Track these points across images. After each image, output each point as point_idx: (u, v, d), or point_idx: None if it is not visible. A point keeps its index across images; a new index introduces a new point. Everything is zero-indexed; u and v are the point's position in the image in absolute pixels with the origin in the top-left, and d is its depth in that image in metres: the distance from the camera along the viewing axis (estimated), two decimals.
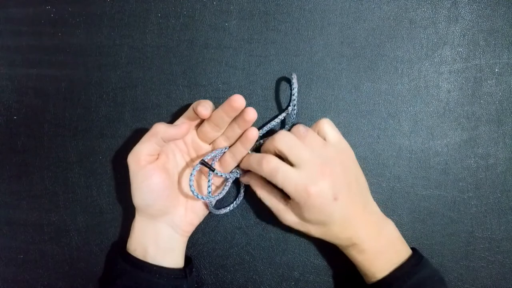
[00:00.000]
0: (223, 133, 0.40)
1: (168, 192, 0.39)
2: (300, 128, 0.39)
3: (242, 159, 0.41)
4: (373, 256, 0.37)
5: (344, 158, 0.38)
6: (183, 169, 0.41)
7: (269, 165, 0.37)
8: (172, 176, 0.40)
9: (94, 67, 0.45)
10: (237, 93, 0.44)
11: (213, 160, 0.40)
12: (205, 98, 0.44)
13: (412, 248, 0.40)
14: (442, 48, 0.44)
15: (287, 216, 0.39)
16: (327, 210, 0.36)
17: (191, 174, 0.38)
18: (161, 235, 0.39)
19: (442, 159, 0.43)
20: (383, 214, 0.40)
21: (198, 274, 0.44)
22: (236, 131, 0.39)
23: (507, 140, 0.43)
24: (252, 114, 0.37)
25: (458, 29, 0.43)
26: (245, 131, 0.39)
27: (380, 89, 0.44)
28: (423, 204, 0.43)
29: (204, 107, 0.37)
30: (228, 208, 0.42)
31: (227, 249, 0.44)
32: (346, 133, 0.43)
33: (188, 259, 0.43)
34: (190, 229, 0.41)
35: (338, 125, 0.44)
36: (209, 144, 0.41)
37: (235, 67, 0.44)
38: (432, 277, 0.37)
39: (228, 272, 0.44)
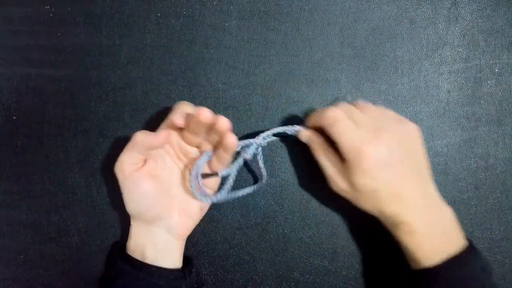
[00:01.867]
0: (206, 138, 0.40)
1: (160, 198, 0.39)
2: (359, 101, 0.39)
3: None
4: (421, 240, 0.35)
5: (404, 132, 0.37)
6: (174, 173, 0.40)
7: (332, 113, 0.37)
8: (163, 181, 0.39)
9: (93, 67, 0.45)
10: (237, 92, 0.44)
11: (200, 167, 0.39)
12: (205, 98, 0.44)
13: (468, 240, 0.38)
14: (442, 48, 0.44)
15: (339, 181, 0.38)
16: (377, 175, 0.35)
17: (190, 181, 0.38)
18: (157, 239, 0.39)
19: (442, 159, 0.43)
20: (441, 199, 0.38)
21: (198, 274, 0.44)
22: (214, 136, 0.39)
23: (507, 140, 0.43)
24: (224, 123, 0.36)
25: (458, 29, 0.43)
26: (224, 138, 0.38)
27: (380, 89, 0.44)
28: None
29: (177, 116, 0.37)
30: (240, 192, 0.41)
31: (227, 249, 0.44)
32: None
33: (187, 259, 0.43)
34: (186, 232, 0.41)
35: None
36: (196, 147, 0.41)
37: (235, 67, 0.44)
38: (482, 273, 0.35)
39: (228, 273, 0.44)
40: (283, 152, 0.44)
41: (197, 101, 0.44)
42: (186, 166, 0.41)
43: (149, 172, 0.38)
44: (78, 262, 0.45)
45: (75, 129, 0.45)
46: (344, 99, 0.43)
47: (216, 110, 0.44)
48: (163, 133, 0.37)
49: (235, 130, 0.44)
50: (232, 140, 0.37)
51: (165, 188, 0.39)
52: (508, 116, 0.43)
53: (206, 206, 0.42)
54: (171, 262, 0.40)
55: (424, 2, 0.44)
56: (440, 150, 0.43)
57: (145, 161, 0.39)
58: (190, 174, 0.39)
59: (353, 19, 0.44)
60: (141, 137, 0.37)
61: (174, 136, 0.39)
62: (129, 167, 0.37)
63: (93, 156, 0.45)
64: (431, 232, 0.35)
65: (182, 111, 0.38)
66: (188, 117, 0.37)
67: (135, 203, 0.38)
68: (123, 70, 0.45)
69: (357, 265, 0.43)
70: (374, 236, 0.42)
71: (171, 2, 0.45)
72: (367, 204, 0.37)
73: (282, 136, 0.42)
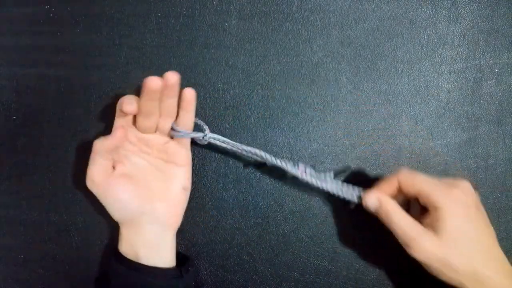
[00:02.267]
0: (161, 114, 0.39)
1: (140, 196, 0.39)
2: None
3: None
4: None
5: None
6: (144, 166, 0.40)
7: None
8: (137, 179, 0.39)
9: (93, 67, 0.45)
10: (237, 93, 0.44)
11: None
12: (204, 98, 0.44)
13: None
14: (442, 48, 0.44)
15: (426, 242, 0.34)
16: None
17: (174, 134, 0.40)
18: (148, 235, 0.39)
19: (442, 159, 0.43)
20: None
21: (198, 275, 0.44)
22: (169, 101, 0.38)
23: (507, 140, 0.43)
24: (173, 77, 0.36)
25: (458, 29, 0.43)
26: (180, 95, 0.39)
27: (380, 89, 0.44)
28: None
29: (129, 103, 0.37)
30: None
31: (226, 249, 0.44)
32: (346, 133, 0.44)
33: (185, 258, 0.42)
34: (176, 220, 0.41)
35: (338, 125, 0.44)
36: (155, 132, 0.40)
37: (235, 67, 0.44)
38: None
39: (227, 273, 0.44)
40: (283, 152, 0.44)
41: (197, 101, 0.44)
42: (152, 155, 0.41)
43: (121, 175, 0.38)
44: (78, 262, 0.45)
45: (75, 129, 0.45)
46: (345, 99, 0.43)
47: (216, 110, 0.44)
48: (118, 131, 0.37)
49: (235, 130, 0.44)
50: (190, 91, 0.38)
51: (141, 185, 0.39)
52: (508, 116, 0.43)
53: (188, 185, 0.41)
54: (165, 258, 0.40)
55: (424, 2, 0.44)
56: (440, 150, 0.43)
57: (113, 168, 0.39)
58: (173, 130, 0.40)
59: (353, 19, 0.44)
60: (99, 143, 0.38)
61: (130, 131, 0.39)
62: (99, 177, 0.38)
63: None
64: None
65: (126, 99, 0.37)
66: (134, 101, 0.37)
67: (119, 210, 0.39)
68: (123, 70, 0.45)
69: (357, 265, 0.43)
70: (374, 236, 0.42)
71: (171, 2, 0.45)
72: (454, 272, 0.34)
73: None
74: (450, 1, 0.44)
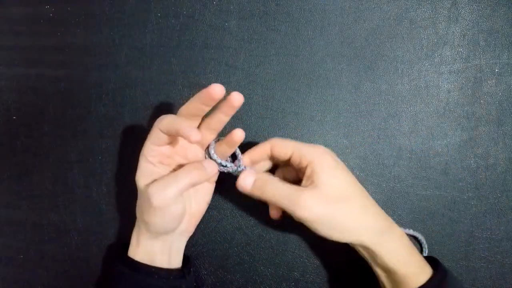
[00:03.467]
0: (205, 123, 0.38)
1: (184, 212, 0.38)
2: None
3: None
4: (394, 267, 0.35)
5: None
6: None
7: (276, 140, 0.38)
8: (185, 195, 0.38)
9: (93, 67, 0.45)
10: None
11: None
12: None
13: (431, 258, 0.38)
14: (442, 48, 0.44)
15: (310, 203, 0.34)
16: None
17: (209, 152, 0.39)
18: (169, 245, 0.39)
19: (442, 159, 0.43)
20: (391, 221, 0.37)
21: (198, 275, 0.44)
22: (221, 118, 0.37)
23: (507, 140, 0.43)
24: (238, 99, 0.35)
25: (458, 29, 0.43)
26: (231, 132, 0.37)
27: (380, 89, 0.44)
28: (423, 204, 0.43)
29: (193, 132, 0.33)
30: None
31: (226, 249, 0.44)
32: (346, 133, 0.44)
33: (186, 258, 0.43)
34: (193, 229, 0.41)
35: (338, 125, 0.44)
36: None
37: (235, 67, 0.44)
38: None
39: (228, 273, 0.44)
40: None
41: None
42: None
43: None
44: (77, 262, 0.45)
45: (75, 129, 0.45)
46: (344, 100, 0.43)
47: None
48: (210, 165, 0.37)
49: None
50: (239, 133, 0.37)
51: (186, 201, 0.39)
52: (508, 116, 0.43)
53: (210, 199, 0.42)
54: (176, 261, 0.40)
55: (424, 2, 0.44)
56: (440, 150, 0.43)
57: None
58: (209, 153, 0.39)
59: (353, 19, 0.44)
60: (196, 174, 0.36)
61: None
62: (171, 200, 0.35)
63: (93, 156, 0.45)
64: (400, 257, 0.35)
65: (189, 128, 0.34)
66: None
67: (165, 225, 0.37)
68: (122, 70, 0.45)
69: (357, 266, 0.43)
70: None
71: (171, 2, 0.45)
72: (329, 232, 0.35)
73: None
74: (450, 1, 0.44)
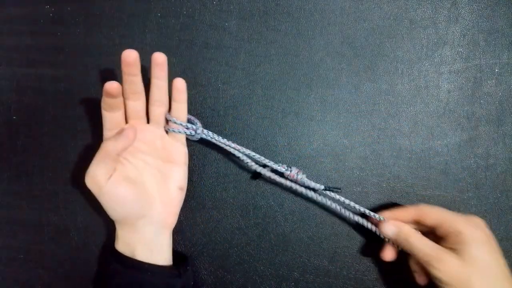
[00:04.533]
0: (151, 101, 0.40)
1: (140, 198, 0.38)
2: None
3: None
4: None
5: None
6: (143, 167, 0.40)
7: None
8: (137, 180, 0.39)
9: (93, 67, 0.45)
10: (237, 92, 0.44)
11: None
12: (204, 98, 0.44)
13: None
14: (442, 48, 0.44)
15: (448, 260, 0.34)
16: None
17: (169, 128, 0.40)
18: (145, 235, 0.39)
19: (442, 159, 0.43)
20: None
21: (198, 275, 0.44)
22: (158, 84, 0.39)
23: (507, 140, 0.43)
24: (160, 56, 0.38)
25: (458, 29, 0.43)
26: (172, 84, 0.39)
27: (380, 89, 0.44)
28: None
29: (110, 83, 0.36)
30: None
31: (226, 249, 0.44)
32: (346, 133, 0.44)
33: (183, 258, 0.42)
34: (173, 219, 0.41)
35: (338, 125, 0.44)
36: (147, 123, 0.41)
37: (235, 67, 0.44)
38: None
39: (227, 273, 0.44)
40: (283, 152, 0.44)
41: (197, 101, 0.44)
42: (150, 154, 0.41)
43: (123, 177, 0.37)
44: (78, 262, 0.45)
45: (75, 129, 0.45)
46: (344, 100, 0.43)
47: (216, 110, 0.44)
48: (129, 131, 0.37)
49: (235, 130, 0.44)
50: (180, 82, 0.39)
51: (141, 187, 0.39)
52: (508, 116, 0.43)
53: (184, 185, 0.42)
54: (162, 257, 0.40)
55: (424, 2, 0.44)
56: (440, 150, 0.43)
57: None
58: (167, 120, 0.40)
59: (353, 19, 0.44)
60: (111, 145, 0.36)
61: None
62: (102, 177, 0.36)
63: (93, 156, 0.45)
64: None
65: (108, 85, 0.37)
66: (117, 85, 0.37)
67: (117, 211, 0.38)
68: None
69: (357, 265, 0.43)
70: (374, 236, 0.42)
71: (171, 2, 0.45)
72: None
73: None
74: (450, 1, 0.44)
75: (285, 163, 0.42)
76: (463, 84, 0.43)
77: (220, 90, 0.44)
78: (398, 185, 0.43)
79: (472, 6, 0.43)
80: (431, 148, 0.43)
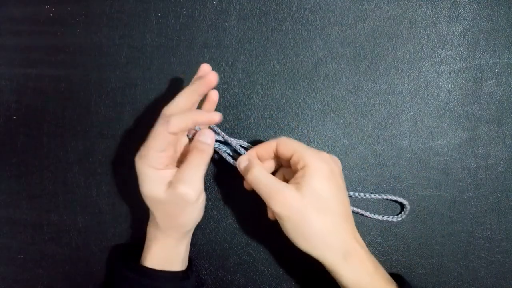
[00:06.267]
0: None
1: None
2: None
3: None
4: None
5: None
6: None
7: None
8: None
9: (93, 67, 0.45)
10: (237, 93, 0.44)
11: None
12: (204, 98, 0.44)
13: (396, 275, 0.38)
14: (442, 48, 0.44)
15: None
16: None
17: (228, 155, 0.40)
18: (183, 248, 0.39)
19: (442, 159, 0.43)
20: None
21: (198, 275, 0.44)
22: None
23: (507, 140, 0.43)
24: (215, 96, 0.39)
25: (458, 29, 0.43)
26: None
27: (380, 89, 0.44)
28: (423, 204, 0.43)
29: (216, 116, 0.36)
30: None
31: (227, 249, 0.44)
32: (346, 133, 0.44)
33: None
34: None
35: (338, 125, 0.44)
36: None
37: (235, 67, 0.44)
38: None
39: (228, 273, 0.44)
40: None
41: None
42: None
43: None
44: (77, 262, 0.45)
45: (75, 129, 0.45)
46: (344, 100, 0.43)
47: (216, 110, 0.44)
48: (208, 137, 0.37)
49: (235, 130, 0.44)
50: (215, 94, 0.39)
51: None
52: (508, 116, 0.43)
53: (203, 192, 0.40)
54: (183, 262, 0.40)
55: (424, 2, 0.44)
56: (440, 150, 0.43)
57: None
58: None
59: (353, 19, 0.44)
60: (206, 153, 0.36)
61: None
62: (200, 188, 0.36)
63: (93, 156, 0.45)
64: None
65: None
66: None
67: (199, 217, 0.38)
68: (122, 70, 0.45)
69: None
70: (374, 236, 0.42)
71: (171, 2, 0.45)
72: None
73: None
74: (450, 1, 0.44)
75: None
76: (463, 84, 0.43)
77: (220, 90, 0.44)
78: (398, 185, 0.43)
79: (472, 6, 0.43)
80: (431, 148, 0.43)
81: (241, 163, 0.38)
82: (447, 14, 0.44)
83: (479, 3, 0.43)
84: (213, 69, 0.44)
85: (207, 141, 0.37)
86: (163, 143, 0.34)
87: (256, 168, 0.36)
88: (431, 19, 0.44)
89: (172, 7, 0.45)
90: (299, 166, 0.36)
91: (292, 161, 0.37)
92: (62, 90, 0.45)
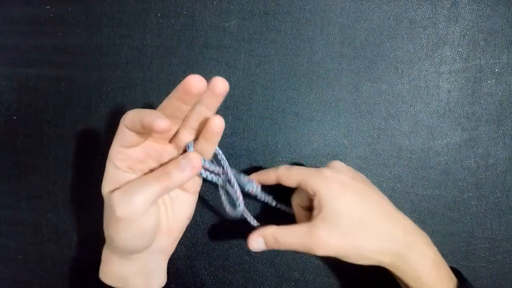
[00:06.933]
0: (183, 124, 0.33)
1: (157, 227, 0.33)
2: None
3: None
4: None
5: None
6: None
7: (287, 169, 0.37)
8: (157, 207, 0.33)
9: (93, 67, 0.45)
10: (237, 93, 0.44)
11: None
12: None
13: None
14: (442, 48, 0.44)
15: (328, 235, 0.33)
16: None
17: (222, 194, 0.36)
18: (143, 266, 0.34)
19: (442, 159, 0.43)
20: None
21: (198, 275, 0.44)
22: (203, 113, 0.32)
23: (507, 140, 0.43)
24: (222, 84, 0.30)
25: (458, 29, 0.43)
26: (207, 121, 0.32)
27: (380, 89, 0.44)
28: (423, 204, 0.43)
29: (161, 119, 0.28)
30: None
31: (227, 249, 0.44)
32: (346, 133, 0.43)
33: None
34: (173, 247, 0.37)
35: (338, 125, 0.44)
36: (169, 143, 0.34)
37: (235, 67, 0.44)
38: None
39: (228, 273, 0.44)
40: (283, 152, 0.44)
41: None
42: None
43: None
44: (77, 263, 0.45)
45: (75, 129, 0.45)
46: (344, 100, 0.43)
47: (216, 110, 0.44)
48: (189, 164, 0.31)
49: (235, 130, 0.44)
50: (218, 122, 0.31)
51: (158, 213, 0.33)
52: (508, 116, 0.43)
53: (192, 214, 0.37)
54: (158, 282, 0.36)
55: (424, 2, 0.44)
56: (440, 150, 0.43)
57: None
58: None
59: (353, 19, 0.44)
60: (176, 175, 0.30)
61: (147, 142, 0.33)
62: (144, 206, 0.30)
63: (93, 156, 0.45)
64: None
65: (157, 115, 0.28)
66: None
67: (133, 241, 0.31)
68: (123, 70, 0.45)
69: (357, 265, 0.43)
70: None
71: (171, 2, 0.45)
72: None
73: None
74: (450, 1, 0.44)
75: (286, 163, 0.42)
76: (463, 84, 0.43)
77: None
78: (398, 185, 0.43)
79: (472, 6, 0.43)
80: (431, 148, 0.43)
81: (258, 242, 0.35)
82: (447, 14, 0.44)
83: (479, 3, 0.43)
84: (213, 69, 0.44)
85: (183, 168, 0.31)
86: (121, 137, 0.31)
87: (279, 234, 0.34)
88: (431, 19, 0.44)
89: (172, 7, 0.45)
90: (309, 192, 0.35)
91: (300, 188, 0.36)
92: (62, 90, 0.45)
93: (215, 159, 0.36)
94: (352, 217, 0.33)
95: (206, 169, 0.35)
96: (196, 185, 0.36)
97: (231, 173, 0.35)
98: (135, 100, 0.45)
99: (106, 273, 0.34)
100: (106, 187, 0.32)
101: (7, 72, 0.46)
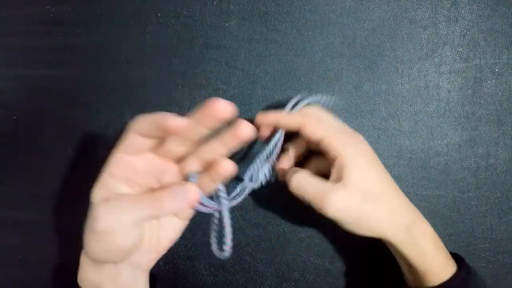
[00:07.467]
0: (194, 151, 0.31)
1: (138, 243, 0.31)
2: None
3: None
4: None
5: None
6: None
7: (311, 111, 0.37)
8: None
9: (93, 67, 0.45)
10: (237, 93, 0.44)
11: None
12: (205, 98, 0.44)
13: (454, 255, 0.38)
14: (442, 48, 0.44)
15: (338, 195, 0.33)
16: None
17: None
18: (117, 275, 0.32)
19: (442, 159, 0.43)
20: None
21: (198, 275, 0.44)
22: (216, 148, 0.30)
23: (507, 140, 0.43)
24: (247, 130, 0.28)
25: (458, 29, 0.43)
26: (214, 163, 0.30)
27: (380, 89, 0.44)
28: (423, 204, 0.43)
29: (174, 119, 0.26)
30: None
31: None
32: None
33: (152, 277, 0.37)
34: (152, 264, 0.34)
35: None
36: (174, 162, 0.32)
37: (235, 67, 0.44)
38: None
39: (228, 273, 0.44)
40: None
41: (197, 101, 0.44)
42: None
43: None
44: (77, 263, 0.45)
45: (75, 129, 0.45)
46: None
47: None
48: (184, 195, 0.29)
49: None
50: (227, 166, 0.30)
51: (141, 234, 0.31)
52: (508, 116, 0.43)
53: (177, 238, 0.35)
54: None
55: (424, 2, 0.44)
56: (440, 150, 0.43)
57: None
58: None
59: (353, 19, 0.44)
60: (168, 200, 0.29)
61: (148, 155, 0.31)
62: (122, 229, 0.29)
63: (93, 156, 0.45)
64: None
65: (172, 116, 0.27)
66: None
67: (104, 254, 0.30)
68: (123, 70, 0.45)
69: (357, 265, 0.43)
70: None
71: (171, 2, 0.45)
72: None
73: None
74: (450, 1, 0.44)
75: None
76: (463, 84, 0.43)
77: (220, 90, 0.44)
78: (398, 185, 0.43)
79: (472, 6, 0.43)
80: (431, 148, 0.43)
81: (283, 169, 0.37)
82: (447, 14, 0.44)
83: (479, 3, 0.43)
84: (213, 69, 0.45)
85: (176, 199, 0.29)
86: (126, 143, 0.29)
87: (297, 176, 0.35)
88: (431, 19, 0.44)
89: (172, 7, 0.45)
90: (331, 155, 0.35)
91: (321, 147, 0.36)
92: (62, 90, 0.45)
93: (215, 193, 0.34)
94: (371, 189, 0.34)
95: (201, 204, 0.33)
96: (188, 212, 0.34)
97: (226, 214, 0.34)
98: (135, 100, 0.45)
99: (81, 278, 0.33)
100: (96, 194, 0.31)
101: (7, 73, 0.46)
